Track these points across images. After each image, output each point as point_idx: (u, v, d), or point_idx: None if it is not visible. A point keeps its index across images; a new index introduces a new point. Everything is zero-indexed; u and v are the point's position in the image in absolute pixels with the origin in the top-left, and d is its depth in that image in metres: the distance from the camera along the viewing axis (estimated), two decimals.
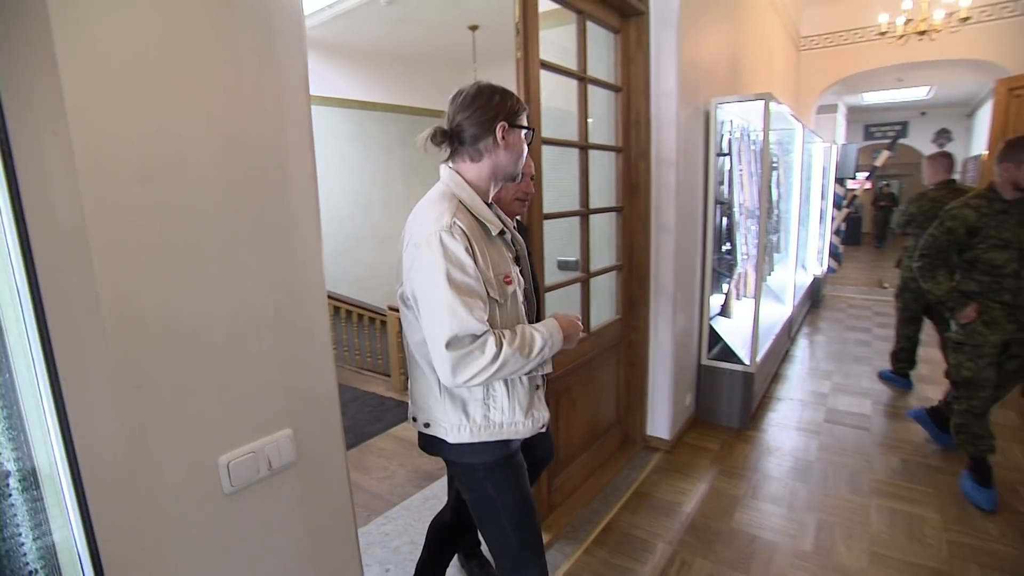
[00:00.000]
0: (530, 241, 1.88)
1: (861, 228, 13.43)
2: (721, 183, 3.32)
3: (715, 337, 3.36)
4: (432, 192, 1.27)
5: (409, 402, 1.37)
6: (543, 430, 1.35)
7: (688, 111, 2.81)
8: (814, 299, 6.47)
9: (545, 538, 2.08)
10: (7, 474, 0.70)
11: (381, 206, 6.71)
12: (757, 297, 3.27)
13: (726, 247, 3.45)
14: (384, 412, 4.01)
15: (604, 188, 2.73)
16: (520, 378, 1.26)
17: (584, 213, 2.42)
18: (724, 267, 3.49)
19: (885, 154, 7.20)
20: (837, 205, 7.15)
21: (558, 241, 2.44)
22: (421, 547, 2.21)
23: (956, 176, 3.57)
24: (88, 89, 0.71)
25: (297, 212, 1.00)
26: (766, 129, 3.05)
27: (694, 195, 3.05)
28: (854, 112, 11.48)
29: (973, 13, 4.98)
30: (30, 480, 0.73)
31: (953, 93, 9.54)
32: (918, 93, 9.51)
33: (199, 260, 0.85)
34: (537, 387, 1.33)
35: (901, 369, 3.87)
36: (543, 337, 1.22)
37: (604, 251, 2.80)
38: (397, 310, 4.81)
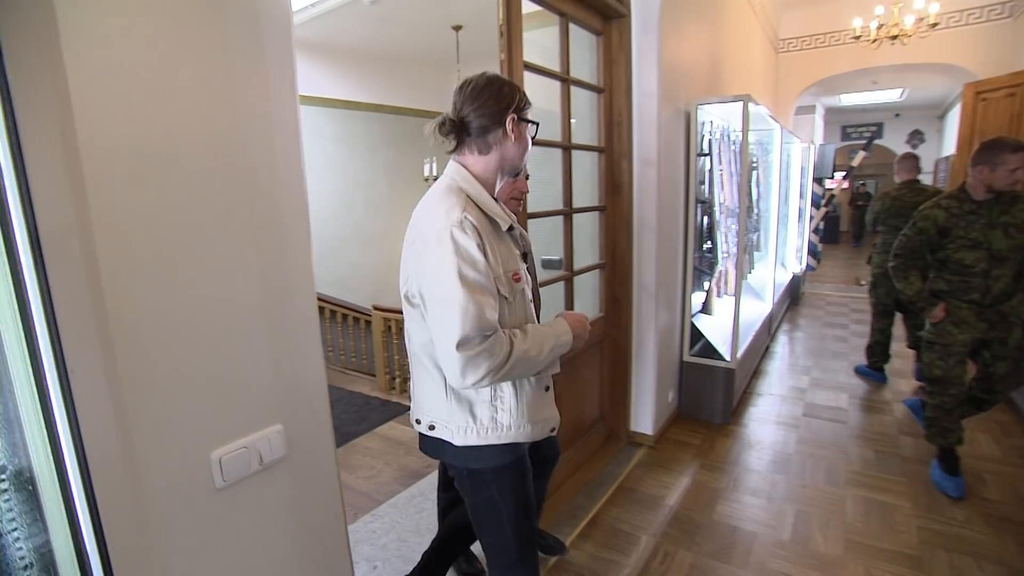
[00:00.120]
0: None
1: (839, 227, 13.73)
2: (702, 183, 3.39)
3: (697, 334, 3.43)
4: (438, 186, 1.22)
5: (411, 404, 1.33)
6: (553, 434, 1.31)
7: (669, 112, 2.87)
8: (793, 296, 6.60)
9: None
10: (3, 468, 0.71)
11: (365, 206, 6.69)
12: (737, 295, 3.34)
13: (707, 245, 3.51)
14: (370, 412, 4.01)
15: (587, 188, 2.78)
16: (528, 379, 1.22)
17: (567, 212, 2.46)
18: (705, 265, 3.55)
19: (861, 154, 7.38)
20: (816, 204, 7.31)
21: (542, 240, 2.48)
22: (408, 544, 2.24)
23: (922, 176, 3.73)
24: (91, 93, 0.73)
25: (287, 212, 1.02)
26: (745, 130, 3.12)
27: (675, 195, 3.11)
28: (831, 113, 11.71)
29: (942, 19, 5.16)
30: (26, 476, 0.74)
31: (925, 96, 9.80)
32: (892, 95, 9.75)
33: (191, 258, 0.87)
34: (547, 388, 1.29)
35: (876, 363, 3.98)
36: (553, 337, 1.19)
37: (587, 250, 2.84)
38: (382, 309, 4.78)
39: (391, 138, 6.92)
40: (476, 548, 2.10)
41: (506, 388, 1.20)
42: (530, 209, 2.10)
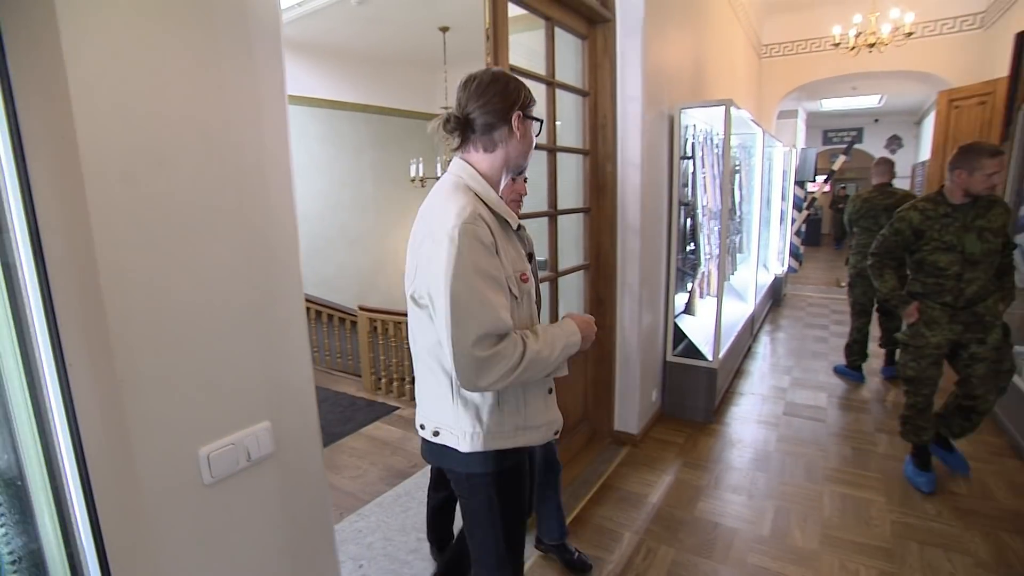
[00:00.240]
0: None
1: (821, 229, 13.98)
2: (685, 185, 3.44)
3: (680, 334, 3.48)
4: (444, 184, 1.18)
5: (416, 409, 1.29)
6: (556, 437, 1.29)
7: (653, 115, 2.92)
8: (775, 297, 6.71)
9: None
10: None
11: (351, 206, 6.67)
12: (719, 296, 3.41)
13: (690, 247, 3.57)
14: (355, 412, 4.01)
15: (572, 189, 2.81)
16: (533, 382, 1.20)
17: (552, 214, 2.50)
18: (688, 266, 3.61)
19: (842, 158, 7.54)
20: (797, 207, 7.44)
21: None
22: (394, 544, 2.25)
23: (898, 180, 3.87)
24: (89, 95, 0.74)
25: (276, 212, 1.04)
26: (727, 133, 3.18)
27: (659, 197, 3.16)
28: (813, 118, 11.94)
29: (917, 29, 5.31)
30: (14, 473, 0.75)
31: (903, 102, 10.03)
32: (871, 101, 9.96)
33: (180, 257, 0.88)
34: (549, 391, 1.28)
35: (854, 362, 4.08)
36: (564, 337, 1.17)
37: (572, 251, 2.88)
38: (368, 310, 4.77)
39: (377, 138, 6.91)
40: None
41: (512, 392, 1.17)
42: None
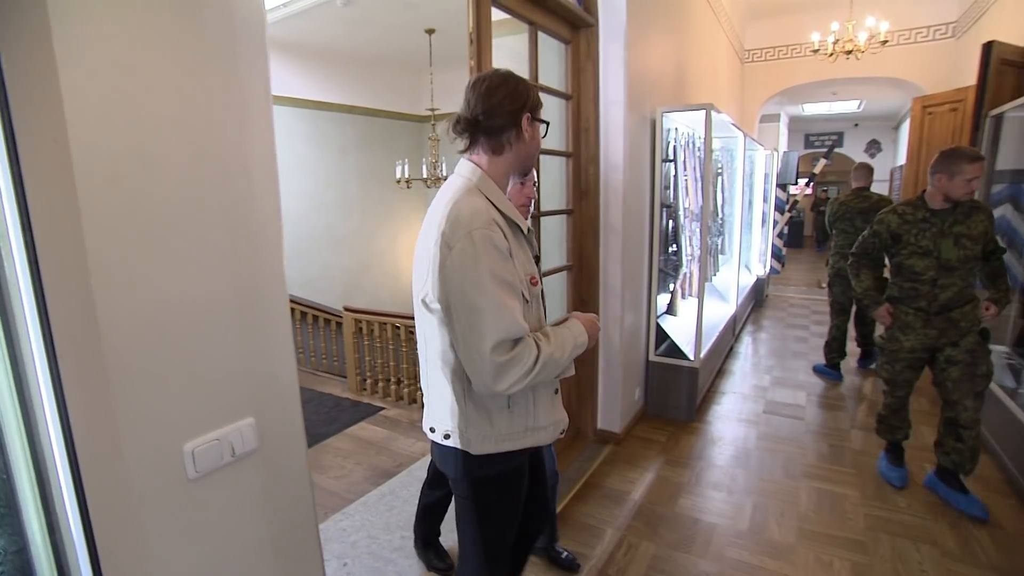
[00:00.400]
0: None
1: (803, 231, 14.22)
2: (667, 188, 3.50)
3: (662, 334, 3.54)
4: (454, 186, 1.18)
5: (425, 412, 1.30)
6: (562, 436, 1.31)
7: (635, 119, 2.97)
8: (757, 298, 6.81)
9: None
10: None
11: (336, 207, 6.66)
12: (700, 296, 3.46)
13: (672, 249, 3.63)
14: (340, 412, 4.01)
15: (555, 191, 2.85)
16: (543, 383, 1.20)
17: (535, 215, 2.53)
18: (670, 268, 3.67)
19: (822, 162, 7.68)
20: (780, 209, 7.57)
21: None
22: (378, 542, 2.27)
23: (878, 184, 4.00)
24: (80, 98, 0.76)
25: (260, 212, 1.05)
26: (707, 136, 3.24)
27: (641, 199, 3.22)
28: (795, 122, 12.14)
29: (892, 37, 5.46)
30: (0, 466, 0.76)
31: (881, 107, 10.25)
32: (851, 106, 10.18)
33: (166, 256, 0.90)
34: (556, 391, 1.29)
35: (832, 359, 4.18)
36: (572, 339, 1.18)
37: (555, 252, 2.92)
38: (353, 311, 4.76)
39: (363, 140, 6.91)
40: (447, 543, 2.14)
41: (522, 394, 1.17)
42: None
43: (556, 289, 2.97)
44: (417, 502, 2.14)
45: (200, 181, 0.94)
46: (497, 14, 2.09)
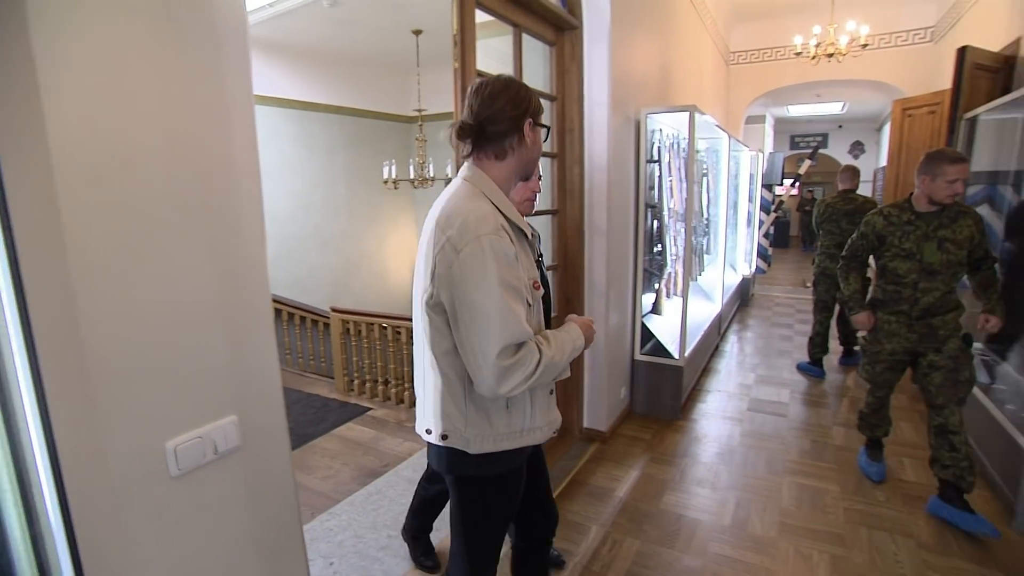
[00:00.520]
0: None
1: (789, 231, 14.39)
2: (652, 188, 3.54)
3: (647, 333, 3.57)
4: (459, 190, 1.19)
5: (421, 414, 1.30)
6: (555, 435, 1.34)
7: (619, 120, 3.00)
8: (743, 298, 6.89)
9: None
10: None
11: (323, 207, 6.64)
12: (684, 296, 3.51)
13: (657, 248, 3.67)
14: (328, 413, 4.00)
15: (541, 192, 2.87)
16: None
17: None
18: (655, 267, 3.71)
19: (807, 163, 7.80)
20: (766, 210, 7.67)
21: None
22: (365, 541, 2.28)
23: (863, 185, 4.09)
24: (58, 98, 0.77)
25: (242, 212, 1.06)
26: (691, 137, 3.28)
27: (626, 200, 3.25)
28: (781, 123, 12.30)
29: (873, 41, 5.58)
30: None
31: (864, 109, 10.42)
32: (834, 108, 10.33)
33: (147, 255, 0.91)
34: (551, 392, 1.32)
35: (815, 354, 4.26)
36: (571, 342, 1.21)
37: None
38: (340, 311, 4.74)
39: (350, 140, 6.90)
40: (437, 543, 2.16)
41: (521, 394, 1.19)
42: None
43: None
44: (413, 496, 2.12)
45: (182, 181, 0.95)
46: (482, 16, 2.10)
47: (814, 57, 5.34)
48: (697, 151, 4.39)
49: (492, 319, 1.06)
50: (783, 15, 6.68)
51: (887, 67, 6.28)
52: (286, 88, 6.06)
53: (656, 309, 3.81)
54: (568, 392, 3.12)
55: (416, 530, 2.11)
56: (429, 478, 2.06)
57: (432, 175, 5.97)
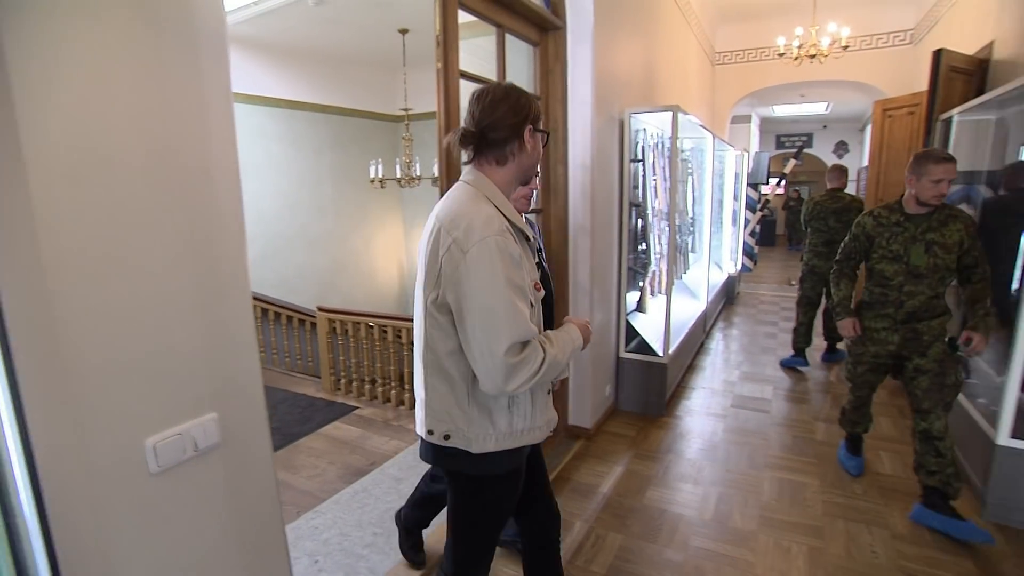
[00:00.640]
0: None
1: (775, 230, 14.55)
2: (636, 187, 3.57)
3: (632, 331, 3.61)
4: (462, 192, 1.23)
5: (421, 414, 1.31)
6: (551, 433, 1.37)
7: (603, 120, 3.03)
8: (729, 296, 6.96)
9: None
10: None
11: (310, 207, 6.61)
12: (668, 294, 3.55)
13: (642, 247, 3.70)
14: (314, 412, 3.99)
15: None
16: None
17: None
18: (639, 266, 3.74)
19: (792, 162, 7.90)
20: (752, 208, 7.75)
21: None
22: (350, 539, 2.28)
23: (848, 185, 4.20)
24: (32, 97, 0.77)
25: (221, 210, 1.07)
26: (674, 137, 3.32)
27: (610, 199, 3.28)
28: (766, 123, 12.42)
29: (854, 42, 5.68)
30: None
31: (847, 110, 10.57)
32: (819, 108, 10.46)
33: (125, 254, 0.91)
34: (549, 391, 1.35)
35: (799, 345, 4.35)
36: (571, 342, 1.24)
37: None
38: (327, 311, 4.72)
39: (337, 139, 6.87)
40: (429, 542, 2.17)
41: (523, 394, 1.23)
42: None
43: None
44: (415, 489, 2.10)
45: (160, 179, 0.96)
46: (465, 16, 2.12)
47: (796, 58, 5.42)
48: (682, 151, 4.44)
49: (499, 317, 1.09)
50: (767, 16, 6.76)
51: (868, 68, 6.39)
52: (272, 87, 6.02)
53: (641, 307, 3.85)
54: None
55: (412, 523, 2.08)
56: (433, 476, 2.05)
57: (419, 174, 5.96)
